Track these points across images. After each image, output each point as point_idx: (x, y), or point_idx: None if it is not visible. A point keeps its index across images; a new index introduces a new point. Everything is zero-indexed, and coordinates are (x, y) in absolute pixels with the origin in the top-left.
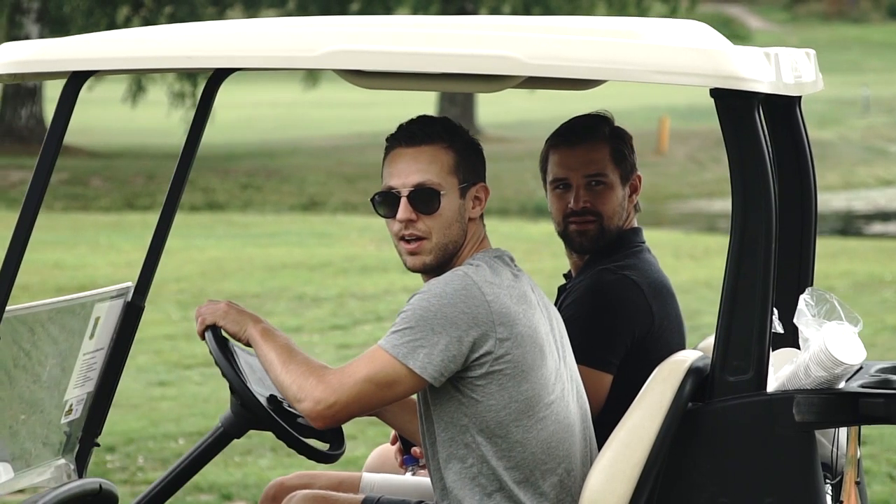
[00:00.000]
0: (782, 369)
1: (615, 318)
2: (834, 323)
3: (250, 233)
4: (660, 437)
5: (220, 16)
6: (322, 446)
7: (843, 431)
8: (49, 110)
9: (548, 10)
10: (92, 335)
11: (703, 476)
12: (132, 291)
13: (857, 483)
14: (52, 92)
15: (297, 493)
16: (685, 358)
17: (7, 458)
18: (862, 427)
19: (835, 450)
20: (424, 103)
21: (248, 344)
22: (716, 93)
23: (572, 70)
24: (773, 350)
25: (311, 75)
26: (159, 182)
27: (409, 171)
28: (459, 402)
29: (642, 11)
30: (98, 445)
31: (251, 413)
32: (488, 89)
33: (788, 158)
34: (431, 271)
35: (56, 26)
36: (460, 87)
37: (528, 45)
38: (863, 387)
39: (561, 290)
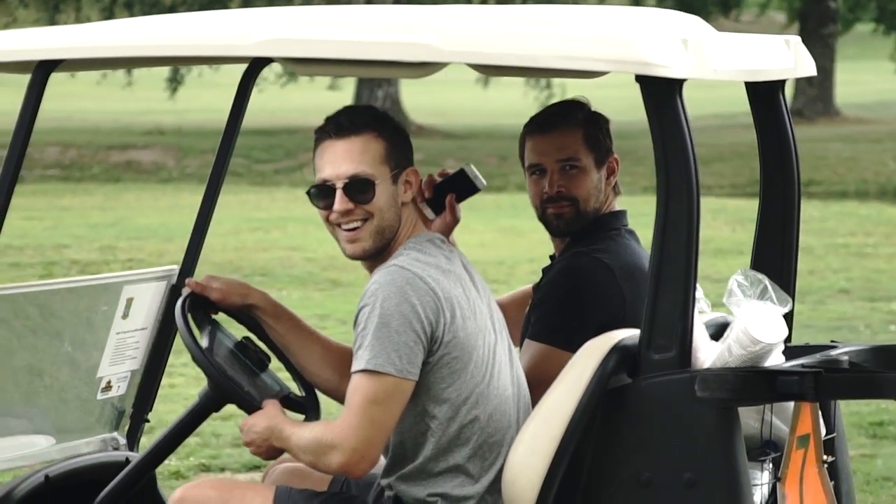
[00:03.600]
0: (713, 349)
1: (583, 300)
2: (756, 302)
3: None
4: (577, 413)
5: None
6: (299, 417)
7: (782, 407)
8: (405, 93)
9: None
10: (126, 315)
11: (627, 451)
12: (176, 275)
13: (827, 463)
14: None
15: (277, 467)
16: (612, 336)
17: (48, 430)
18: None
19: (763, 427)
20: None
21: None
22: (639, 79)
23: (487, 57)
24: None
25: None
26: (512, 163)
27: (341, 163)
28: (415, 390)
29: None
30: (148, 421)
31: (221, 391)
32: (412, 75)
33: (771, 144)
34: (371, 257)
35: None
36: (385, 73)
37: (447, 33)
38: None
39: (544, 271)
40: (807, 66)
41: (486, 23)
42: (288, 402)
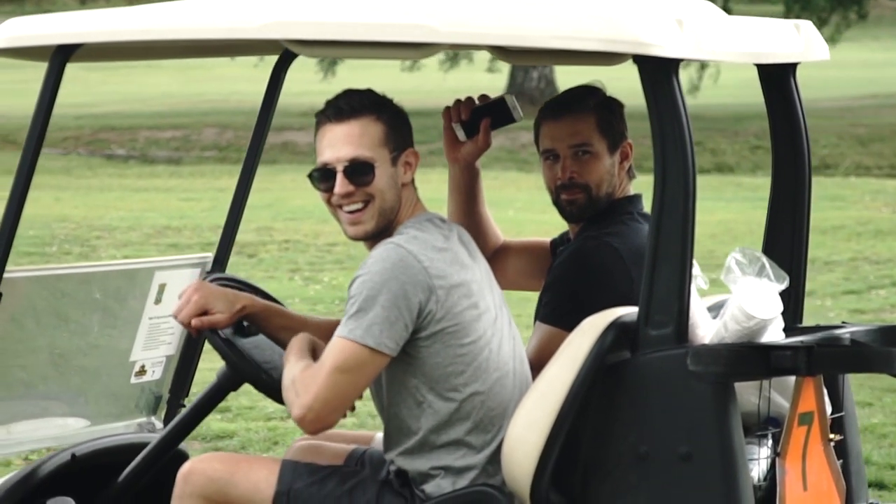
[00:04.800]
0: (713, 326)
1: (590, 283)
2: (751, 279)
3: (759, 196)
4: (574, 388)
5: None
6: None
7: (786, 385)
8: (560, 72)
9: None
10: (158, 300)
11: (625, 425)
12: (211, 262)
13: (835, 441)
14: None
15: (294, 444)
16: (610, 313)
17: (82, 412)
18: None
19: (762, 403)
20: None
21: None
22: (635, 59)
23: (482, 37)
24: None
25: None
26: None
27: (341, 146)
28: (408, 364)
29: None
30: (184, 406)
31: (238, 371)
32: (410, 56)
33: (782, 127)
34: (373, 238)
35: None
36: (385, 55)
37: (444, 14)
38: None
39: (557, 253)
40: (818, 51)
41: (482, 5)
42: None
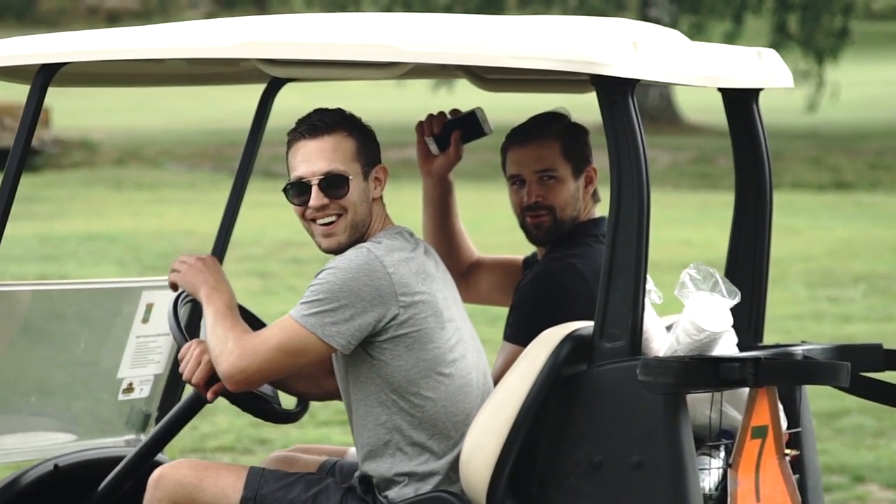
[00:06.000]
0: (668, 339)
1: (553, 303)
2: (703, 293)
3: (879, 213)
4: (530, 397)
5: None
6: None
7: (740, 399)
8: (679, 90)
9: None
10: (146, 320)
11: (580, 435)
12: None
13: (791, 456)
14: None
15: (269, 456)
16: (568, 326)
17: (70, 427)
18: None
19: (713, 415)
20: None
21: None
22: (592, 80)
23: (443, 56)
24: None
25: None
26: (784, 161)
27: (315, 160)
28: (371, 364)
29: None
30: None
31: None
32: (379, 76)
33: (745, 150)
34: (343, 252)
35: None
36: (355, 75)
37: (409, 35)
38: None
39: (525, 273)
40: (781, 79)
41: (446, 27)
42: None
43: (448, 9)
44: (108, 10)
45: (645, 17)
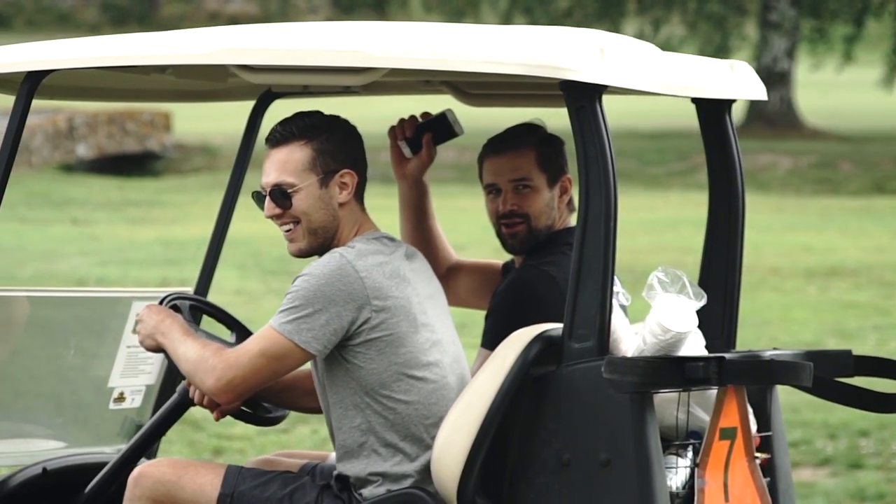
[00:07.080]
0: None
1: (528, 309)
2: (669, 295)
3: None
4: (499, 396)
5: None
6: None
7: (709, 401)
8: (800, 95)
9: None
10: (136, 330)
11: (550, 433)
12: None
13: (761, 459)
14: (802, 76)
15: (252, 458)
16: (537, 327)
17: (60, 435)
18: None
19: (681, 416)
20: None
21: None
22: (561, 86)
23: (414, 62)
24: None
25: None
26: None
27: (269, 171)
28: (346, 368)
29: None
30: (163, 434)
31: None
32: (351, 82)
33: (718, 160)
34: (311, 255)
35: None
36: (330, 80)
37: (381, 42)
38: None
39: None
40: (753, 90)
41: (418, 34)
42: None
43: (568, 13)
44: (229, 16)
45: (765, 21)
